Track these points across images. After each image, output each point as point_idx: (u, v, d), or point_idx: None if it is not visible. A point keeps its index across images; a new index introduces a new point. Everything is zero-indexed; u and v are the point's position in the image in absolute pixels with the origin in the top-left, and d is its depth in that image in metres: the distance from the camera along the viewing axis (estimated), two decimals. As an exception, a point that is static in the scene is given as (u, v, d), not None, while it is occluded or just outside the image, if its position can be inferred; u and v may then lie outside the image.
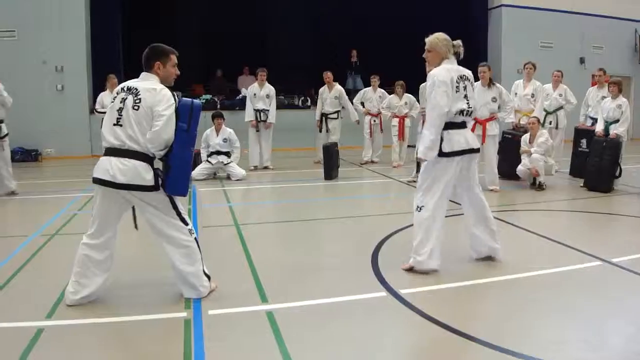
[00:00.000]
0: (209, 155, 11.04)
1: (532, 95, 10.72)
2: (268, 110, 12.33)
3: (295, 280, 4.88)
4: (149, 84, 4.22)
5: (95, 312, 4.22)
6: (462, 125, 5.10)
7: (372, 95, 13.44)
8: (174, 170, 4.17)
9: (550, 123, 11.20)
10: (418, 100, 11.38)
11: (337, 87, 12.89)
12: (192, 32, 17.99)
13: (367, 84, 14.66)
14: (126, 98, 4.16)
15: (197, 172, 10.87)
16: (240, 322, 4.07)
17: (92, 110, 13.62)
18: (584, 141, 10.34)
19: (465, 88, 5.03)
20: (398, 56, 17.00)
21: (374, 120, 13.30)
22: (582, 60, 19.42)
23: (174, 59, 4.39)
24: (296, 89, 17.83)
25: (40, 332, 3.84)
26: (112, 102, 4.23)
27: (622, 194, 9.10)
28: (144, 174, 4.11)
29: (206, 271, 4.49)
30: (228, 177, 10.97)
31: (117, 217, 4.38)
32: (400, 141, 12.69)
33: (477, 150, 5.18)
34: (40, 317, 4.11)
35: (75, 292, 4.31)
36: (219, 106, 16.01)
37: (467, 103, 5.03)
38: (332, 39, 18.13)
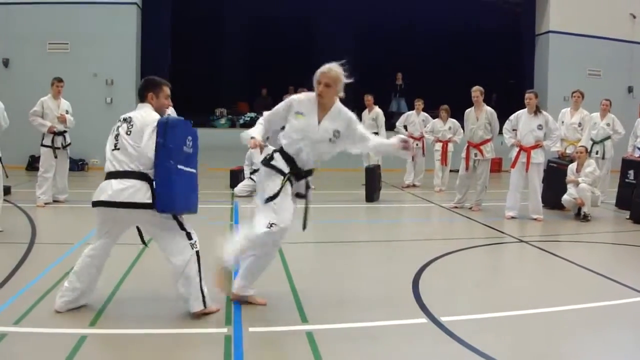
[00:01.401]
0: (252, 173, 11.12)
1: (579, 124, 10.56)
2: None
3: (335, 302, 4.87)
4: (142, 112, 4.47)
5: (137, 323, 4.30)
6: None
7: (415, 119, 13.46)
8: (157, 185, 4.25)
9: (597, 153, 10.98)
10: (462, 126, 11.27)
11: (376, 109, 12.95)
12: (238, 50, 18.27)
13: (411, 107, 14.68)
14: (121, 126, 4.41)
15: (240, 189, 11.03)
16: (280, 341, 4.10)
17: (139, 123, 13.88)
18: (631, 172, 10.12)
19: None
20: (444, 80, 17.02)
21: (416, 144, 13.25)
22: (630, 89, 19.06)
23: (166, 90, 4.62)
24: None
25: (84, 340, 3.91)
26: (112, 132, 4.47)
27: (670, 228, 8.86)
28: (142, 192, 4.25)
29: (204, 289, 4.44)
30: (270, 195, 11.02)
31: (117, 237, 4.60)
32: (442, 166, 12.64)
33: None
34: (83, 325, 4.18)
35: (62, 296, 4.47)
36: (262, 124, 16.17)
37: None
38: (379, 61, 18.17)
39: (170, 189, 4.24)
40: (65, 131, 9.59)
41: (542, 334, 4.43)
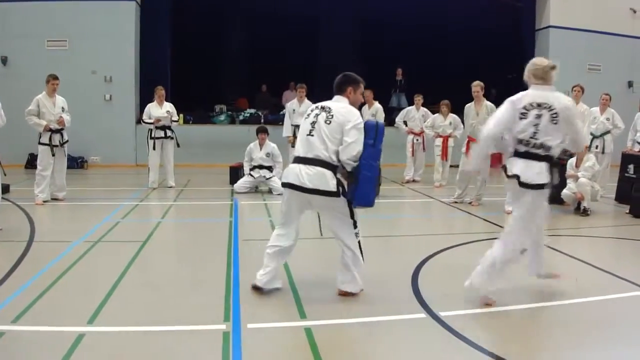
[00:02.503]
0: (251, 169, 11.09)
1: (579, 119, 10.53)
2: (307, 127, 12.41)
3: (333, 298, 4.87)
4: (341, 105, 4.80)
5: (136, 320, 4.29)
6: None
7: (415, 114, 13.39)
8: (363, 182, 4.60)
9: (597, 147, 10.98)
10: (462, 121, 11.24)
11: (376, 105, 12.85)
12: (238, 46, 18.22)
13: (411, 102, 14.63)
14: (319, 114, 4.77)
15: (239, 185, 11.00)
16: (279, 337, 4.09)
17: (139, 120, 13.84)
18: (631, 167, 10.12)
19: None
20: (443, 76, 16.99)
21: (417, 139, 13.24)
22: (630, 84, 18.99)
23: (362, 87, 4.98)
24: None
25: (82, 338, 3.90)
26: (307, 117, 4.86)
27: (670, 222, 8.85)
28: (329, 180, 4.63)
29: (358, 273, 4.92)
30: (269, 191, 11.03)
31: (298, 215, 5.02)
32: (443, 161, 12.59)
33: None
34: (81, 323, 4.18)
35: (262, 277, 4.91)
36: (262, 121, 16.14)
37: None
38: (379, 57, 18.13)
39: (373, 187, 4.75)
40: (62, 129, 9.54)
41: (542, 328, 4.43)
